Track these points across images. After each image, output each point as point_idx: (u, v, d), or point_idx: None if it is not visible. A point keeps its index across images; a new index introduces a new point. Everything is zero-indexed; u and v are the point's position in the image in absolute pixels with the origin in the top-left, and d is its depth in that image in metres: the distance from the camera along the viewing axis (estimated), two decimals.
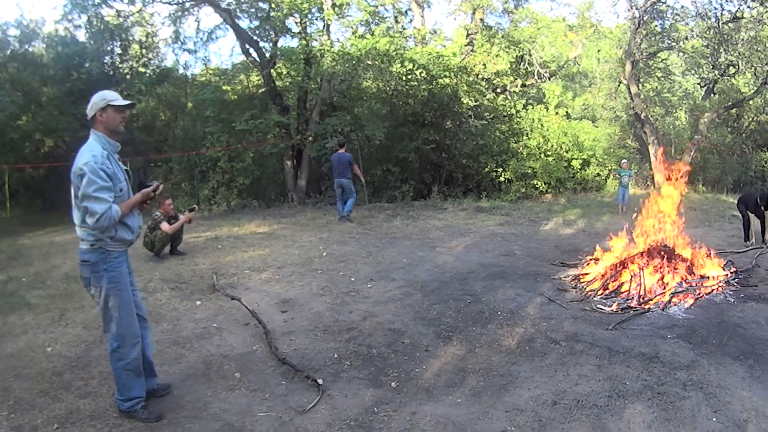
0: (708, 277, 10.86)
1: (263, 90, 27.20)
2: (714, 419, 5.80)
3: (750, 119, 35.59)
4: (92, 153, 5.45)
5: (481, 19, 30.03)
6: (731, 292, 10.32)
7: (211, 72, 31.15)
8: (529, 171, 27.65)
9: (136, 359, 5.87)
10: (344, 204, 19.43)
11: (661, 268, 10.76)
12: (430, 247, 14.73)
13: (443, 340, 8.07)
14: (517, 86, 30.62)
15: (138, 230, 5.88)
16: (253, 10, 25.44)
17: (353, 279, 11.43)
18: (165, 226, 13.13)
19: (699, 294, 10.05)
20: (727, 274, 11.23)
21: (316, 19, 25.81)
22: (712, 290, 10.30)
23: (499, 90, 30.38)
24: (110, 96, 5.61)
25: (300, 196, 25.66)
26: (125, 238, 5.76)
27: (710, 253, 11.87)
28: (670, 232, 12.10)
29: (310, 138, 25.19)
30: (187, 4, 25.67)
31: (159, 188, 5.57)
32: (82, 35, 27.85)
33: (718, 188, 31.83)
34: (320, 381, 6.63)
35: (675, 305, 9.56)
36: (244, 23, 25.81)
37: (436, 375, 6.95)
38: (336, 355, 7.50)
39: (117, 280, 5.76)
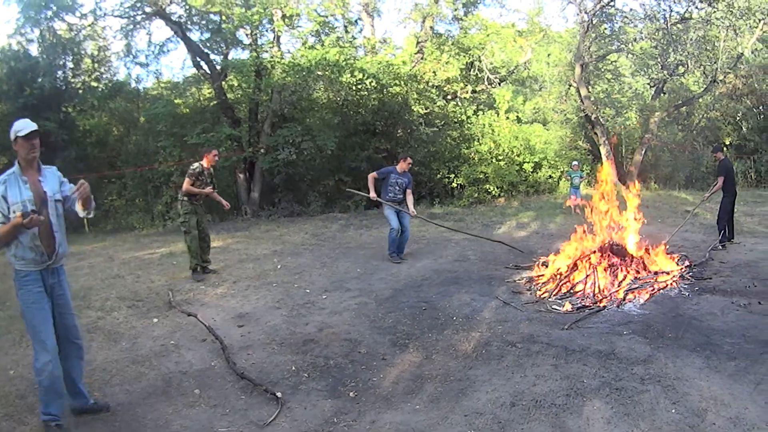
0: (662, 273, 11.04)
1: (214, 103, 27.06)
2: (673, 411, 5.95)
3: (700, 116, 36.00)
4: None
5: (431, 27, 30.09)
6: (686, 286, 10.55)
7: (162, 85, 30.99)
8: (481, 176, 27.76)
9: (46, 378, 5.91)
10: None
11: (614, 266, 10.92)
12: (384, 256, 14.72)
13: (400, 348, 8.15)
14: (467, 92, 30.70)
15: (40, 249, 5.87)
16: (204, 22, 25.29)
17: (308, 291, 11.49)
18: (186, 182, 12.66)
19: (653, 289, 10.23)
20: (681, 269, 11.43)
21: (267, 31, 25.78)
22: (667, 285, 10.50)
23: (449, 97, 30.46)
24: (17, 127, 5.90)
25: (253, 209, 25.56)
26: (25, 257, 5.86)
27: (664, 249, 12.10)
28: (623, 230, 12.31)
29: (262, 150, 25.08)
30: (139, 17, 25.48)
31: (32, 218, 5.56)
32: (35, 50, 27.65)
33: (670, 185, 32.13)
34: (279, 394, 6.67)
35: (630, 302, 9.75)
36: (195, 35, 25.72)
37: (394, 383, 7.02)
38: (294, 368, 7.54)
39: (24, 298, 5.90)
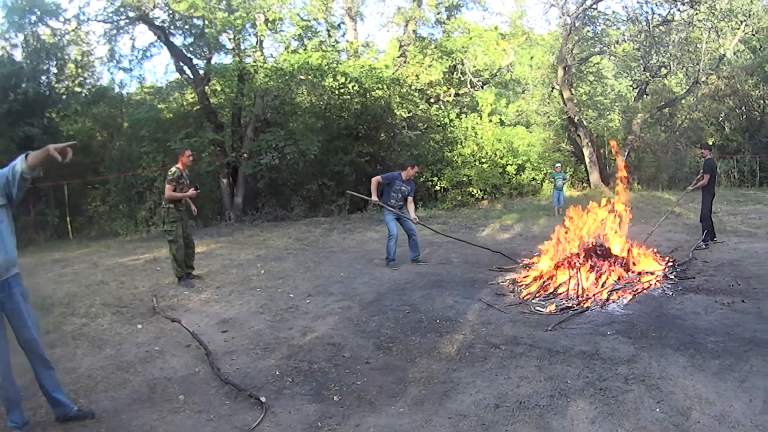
0: (645, 273, 11.08)
1: (198, 108, 27.05)
2: (657, 410, 5.95)
3: (683, 117, 36.32)
4: None
5: (414, 31, 30.14)
6: (669, 286, 10.63)
7: (146, 90, 30.89)
8: (464, 179, 27.88)
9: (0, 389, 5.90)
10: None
11: (597, 267, 10.95)
12: (368, 260, 14.82)
13: (383, 352, 8.14)
14: (450, 96, 30.83)
15: None
16: (187, 26, 25.22)
17: (292, 295, 11.47)
18: (168, 188, 12.29)
19: (637, 290, 10.27)
20: (664, 269, 11.48)
21: (250, 35, 25.77)
22: (650, 285, 10.55)
23: (432, 100, 30.56)
24: None
25: (237, 214, 25.54)
26: None
27: (646, 249, 12.17)
28: (607, 231, 12.35)
29: (245, 155, 25.06)
30: (122, 22, 25.38)
31: None
32: (19, 55, 27.61)
33: (653, 186, 32.32)
34: (263, 399, 6.65)
35: (613, 302, 9.77)
36: (178, 40, 25.70)
37: (378, 386, 7.01)
38: (277, 373, 7.52)
39: None
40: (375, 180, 14.06)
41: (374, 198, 13.93)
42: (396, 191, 14.09)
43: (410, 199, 14.39)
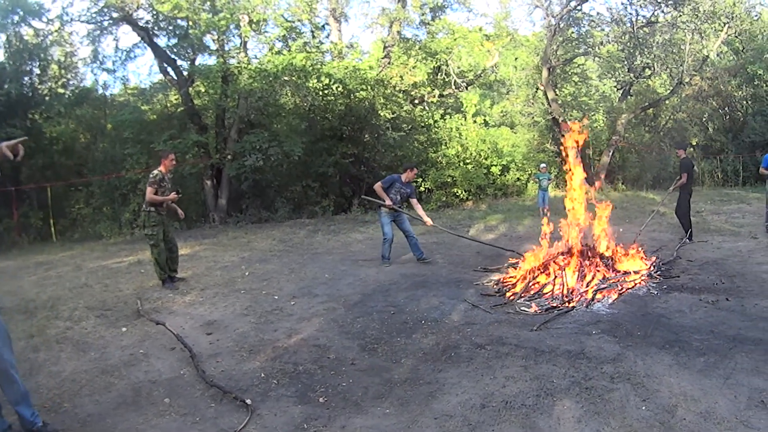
0: (630, 272, 11.10)
1: (181, 109, 26.99)
2: (643, 408, 5.96)
3: (667, 118, 36.49)
4: None
5: (398, 32, 30.20)
6: (654, 285, 10.67)
7: (129, 92, 30.84)
8: (448, 180, 28.00)
9: None
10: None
11: (582, 267, 10.95)
12: (353, 261, 14.78)
13: (368, 353, 8.11)
14: (434, 97, 30.86)
15: None
16: (171, 27, 25.09)
17: (276, 297, 11.43)
18: (149, 191, 12.08)
19: (622, 289, 10.29)
20: (648, 268, 11.51)
21: (234, 36, 25.69)
22: (635, 284, 10.59)
23: (416, 101, 30.58)
24: None
25: (221, 216, 25.50)
26: None
27: (631, 249, 12.20)
28: (593, 231, 12.38)
29: (229, 156, 25.03)
30: (106, 23, 25.27)
31: None
32: (1, 55, 27.43)
33: (638, 186, 32.50)
34: (249, 401, 6.61)
35: (599, 302, 9.77)
36: (162, 41, 25.61)
37: (364, 387, 6.98)
38: (263, 375, 7.48)
39: None
40: (378, 187, 14.10)
41: (388, 202, 13.95)
42: (395, 193, 14.13)
43: (414, 201, 14.56)
